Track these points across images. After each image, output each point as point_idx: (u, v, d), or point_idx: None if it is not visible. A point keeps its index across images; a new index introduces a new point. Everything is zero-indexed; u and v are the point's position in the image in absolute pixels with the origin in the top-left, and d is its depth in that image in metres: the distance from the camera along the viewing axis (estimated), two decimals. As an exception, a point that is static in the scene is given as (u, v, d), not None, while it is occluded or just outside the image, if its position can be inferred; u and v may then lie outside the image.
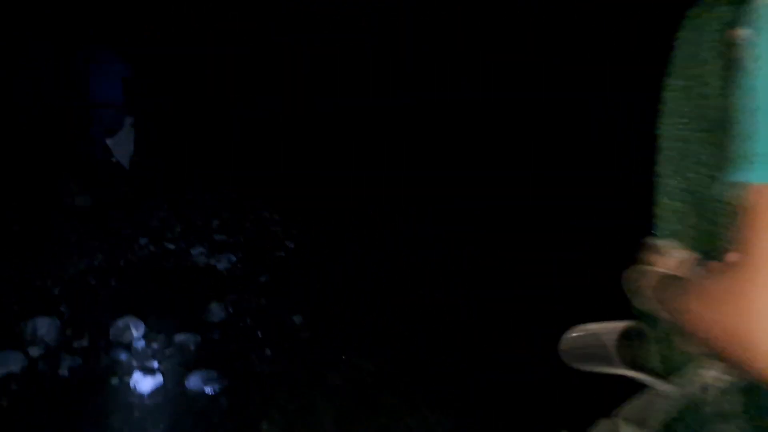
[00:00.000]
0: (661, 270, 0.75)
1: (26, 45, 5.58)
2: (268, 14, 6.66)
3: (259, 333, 3.16)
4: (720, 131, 0.61)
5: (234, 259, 4.00)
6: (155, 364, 2.91)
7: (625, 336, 0.91)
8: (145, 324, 3.15)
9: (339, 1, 6.59)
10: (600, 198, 4.16)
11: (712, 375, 0.67)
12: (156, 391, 2.73)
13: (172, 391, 2.75)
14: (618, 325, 0.98)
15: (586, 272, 3.69)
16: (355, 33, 6.52)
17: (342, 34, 6.51)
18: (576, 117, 5.19)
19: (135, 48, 5.88)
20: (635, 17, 4.56)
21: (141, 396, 2.71)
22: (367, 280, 3.84)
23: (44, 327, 3.09)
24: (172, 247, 4.19)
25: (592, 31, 4.95)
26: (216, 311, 3.37)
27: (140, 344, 3.05)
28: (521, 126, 5.48)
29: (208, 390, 2.74)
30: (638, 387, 0.79)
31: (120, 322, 3.13)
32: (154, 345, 3.05)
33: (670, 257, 0.75)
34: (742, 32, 0.55)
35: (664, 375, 0.77)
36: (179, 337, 3.09)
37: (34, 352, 2.94)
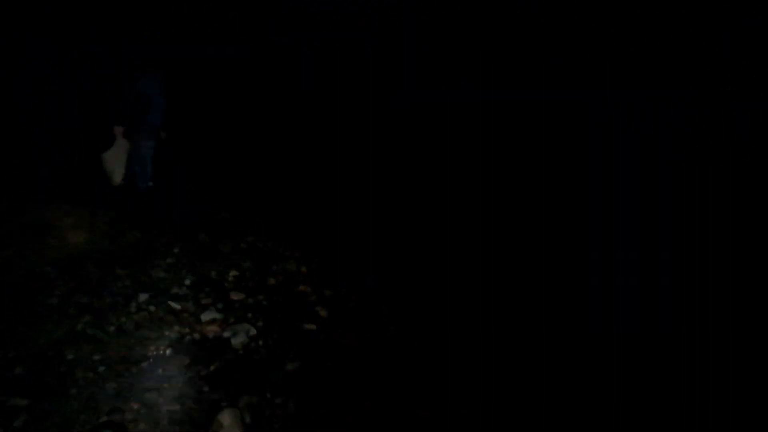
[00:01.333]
0: None
1: (26, 45, 5.58)
2: (268, 14, 6.65)
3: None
4: None
5: (254, 332, 3.02)
6: None
7: None
8: None
9: (339, 1, 6.59)
10: (600, 198, 4.15)
11: None
12: None
13: None
14: None
15: (585, 272, 3.68)
16: (355, 33, 6.52)
17: (342, 34, 6.51)
18: (576, 117, 5.18)
19: (135, 48, 5.87)
20: (635, 17, 4.55)
21: None
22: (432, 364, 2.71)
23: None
24: (177, 307, 3.25)
25: (592, 31, 4.95)
26: (228, 425, 2.32)
27: None
28: (521, 126, 5.47)
29: None
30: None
31: None
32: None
33: None
34: None
35: None
36: None
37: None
